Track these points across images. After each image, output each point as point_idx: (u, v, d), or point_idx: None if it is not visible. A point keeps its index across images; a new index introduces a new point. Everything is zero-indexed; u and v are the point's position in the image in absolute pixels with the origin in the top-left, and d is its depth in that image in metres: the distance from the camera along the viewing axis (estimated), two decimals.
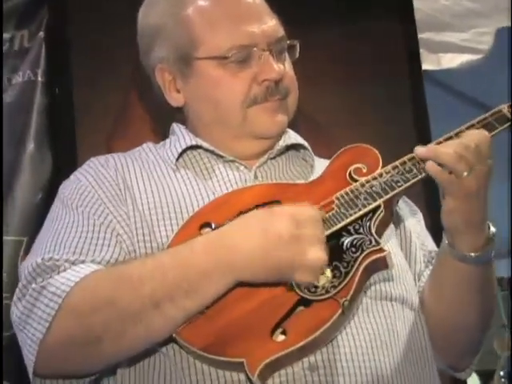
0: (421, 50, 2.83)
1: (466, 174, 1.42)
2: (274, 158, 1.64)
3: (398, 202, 1.55)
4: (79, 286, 1.38)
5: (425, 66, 2.88)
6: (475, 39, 2.98)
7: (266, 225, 1.36)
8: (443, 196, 1.47)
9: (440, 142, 1.49)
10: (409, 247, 1.64)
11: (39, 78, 2.37)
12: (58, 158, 2.35)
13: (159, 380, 1.41)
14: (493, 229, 1.49)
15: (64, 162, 2.32)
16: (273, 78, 1.58)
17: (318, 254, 1.35)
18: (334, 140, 2.52)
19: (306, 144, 1.69)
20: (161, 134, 1.95)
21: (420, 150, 1.47)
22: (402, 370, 1.45)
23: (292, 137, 1.68)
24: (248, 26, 1.58)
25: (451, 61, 2.99)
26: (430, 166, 1.44)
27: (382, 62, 2.68)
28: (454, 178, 1.42)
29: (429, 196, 2.34)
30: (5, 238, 2.28)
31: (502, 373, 5.43)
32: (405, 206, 1.70)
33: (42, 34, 2.39)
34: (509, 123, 1.53)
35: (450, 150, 1.43)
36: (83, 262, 1.44)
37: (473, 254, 1.47)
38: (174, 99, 1.65)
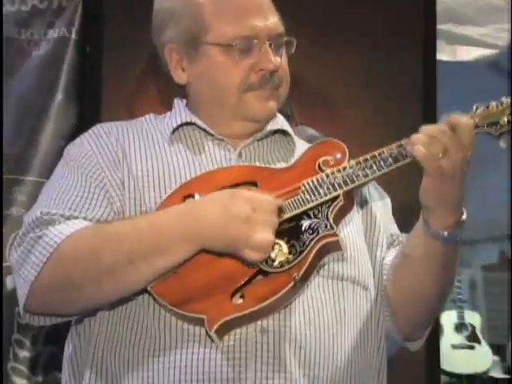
0: (438, 41, 2.93)
1: (440, 155, 1.55)
2: (259, 140, 1.79)
3: (357, 193, 1.72)
4: (69, 238, 1.57)
5: (440, 56, 2.99)
6: (494, 35, 3.06)
7: (229, 204, 1.54)
8: (424, 178, 1.60)
9: (401, 145, 1.64)
10: (373, 231, 1.80)
11: (73, 36, 2.53)
12: (82, 111, 2.52)
13: (133, 325, 1.61)
14: (464, 216, 1.63)
15: (88, 116, 2.50)
16: (269, 69, 1.73)
17: (265, 235, 1.52)
18: (345, 118, 2.68)
19: (289, 130, 1.84)
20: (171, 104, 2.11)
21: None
22: (343, 343, 1.63)
23: (279, 123, 1.83)
24: (253, 20, 1.74)
25: (467, 54, 3.09)
26: (415, 149, 1.57)
27: (397, 43, 2.80)
28: (431, 157, 1.56)
29: None
30: (26, 178, 2.45)
31: None
32: (374, 191, 1.86)
33: None
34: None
35: (421, 134, 1.58)
36: (76, 217, 1.62)
37: (443, 232, 1.62)
38: (179, 76, 1.81)
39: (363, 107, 2.76)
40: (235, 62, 1.74)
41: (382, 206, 1.87)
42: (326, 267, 1.65)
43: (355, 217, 1.76)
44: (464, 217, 1.64)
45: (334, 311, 1.64)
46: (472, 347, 5.30)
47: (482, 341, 5.39)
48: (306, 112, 2.48)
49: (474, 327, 5.38)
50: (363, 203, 1.82)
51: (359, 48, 2.80)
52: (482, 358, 5.30)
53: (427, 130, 1.59)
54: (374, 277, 1.75)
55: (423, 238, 1.66)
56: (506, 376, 5.30)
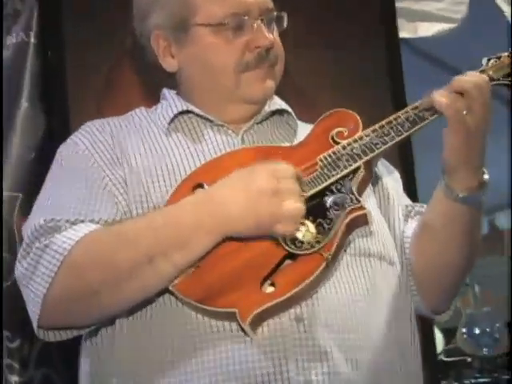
0: (399, 19, 2.92)
1: (465, 112, 1.50)
2: (259, 122, 1.72)
3: (376, 163, 1.65)
4: (79, 244, 1.48)
5: (402, 34, 2.98)
6: (450, 8, 3.08)
7: (248, 181, 1.45)
8: (447, 135, 1.54)
9: (416, 107, 1.59)
10: (387, 204, 1.74)
11: (32, 40, 2.41)
12: (50, 118, 2.41)
13: (156, 329, 1.50)
14: (487, 176, 1.58)
15: (56, 123, 2.39)
16: (265, 46, 1.67)
17: (295, 204, 1.44)
18: (314, 103, 2.63)
19: (289, 109, 1.77)
20: (149, 99, 2.02)
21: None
22: (379, 321, 1.57)
23: (277, 103, 1.77)
24: None
25: (427, 29, 3.10)
26: (441, 101, 1.51)
27: (358, 27, 2.75)
28: (458, 112, 1.50)
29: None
30: None
31: (464, 329, 5.59)
32: (382, 167, 1.80)
33: None
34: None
35: (445, 91, 1.52)
36: (82, 221, 1.53)
37: (466, 194, 1.56)
38: (169, 64, 1.73)
39: (333, 94, 2.69)
40: (228, 41, 1.67)
41: (392, 179, 1.82)
42: (352, 245, 1.58)
43: (370, 191, 1.70)
44: (486, 177, 1.59)
45: (367, 289, 1.57)
46: None
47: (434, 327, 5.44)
48: None
49: None
50: (373, 179, 1.74)
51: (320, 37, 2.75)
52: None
53: (451, 87, 1.54)
54: (396, 251, 1.69)
55: (445, 203, 1.60)
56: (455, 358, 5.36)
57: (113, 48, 2.40)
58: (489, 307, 5.94)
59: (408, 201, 1.81)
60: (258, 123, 1.73)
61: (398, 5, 2.94)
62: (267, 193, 1.43)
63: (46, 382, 2.36)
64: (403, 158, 2.69)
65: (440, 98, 1.53)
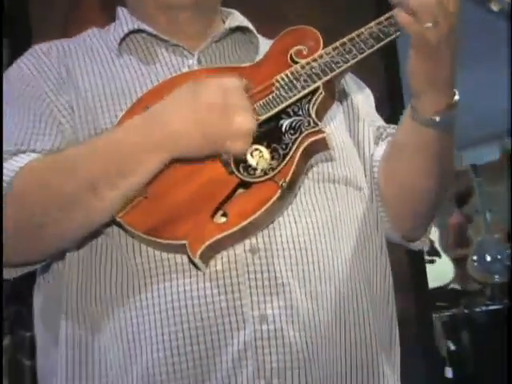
0: None
1: (429, 25, 1.39)
2: (217, 41, 1.61)
3: (340, 82, 1.54)
4: (18, 174, 1.39)
5: None
6: None
7: (197, 96, 1.35)
8: (409, 55, 1.44)
9: (380, 22, 1.47)
10: (357, 125, 1.63)
11: None
12: (13, 43, 2.29)
13: (106, 262, 1.43)
14: (457, 96, 1.48)
15: (19, 47, 2.27)
16: None
17: (246, 120, 1.34)
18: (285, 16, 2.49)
19: (250, 26, 1.66)
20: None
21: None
22: (343, 250, 1.48)
23: (238, 19, 1.65)
24: None
25: None
26: (402, 16, 1.40)
27: None
28: (421, 28, 1.39)
29: None
30: None
31: (474, 257, 5.54)
32: (353, 84, 1.69)
33: None
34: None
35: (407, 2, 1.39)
36: (24, 152, 1.44)
37: (434, 118, 1.46)
38: None
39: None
40: None
41: (363, 98, 1.70)
42: (315, 169, 1.48)
43: (337, 112, 1.60)
44: (456, 98, 1.48)
45: (330, 217, 1.48)
46: (432, 261, 5.31)
47: (442, 254, 5.42)
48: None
49: (432, 241, 5.39)
50: (342, 96, 1.63)
51: None
52: (443, 272, 5.30)
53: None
54: (365, 175, 1.59)
55: (414, 127, 1.49)
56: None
57: None
58: (500, 234, 5.88)
59: (380, 121, 1.70)
60: (215, 42, 1.61)
61: None
62: (215, 108, 1.33)
63: (17, 318, 2.32)
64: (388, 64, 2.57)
65: (400, 12, 1.41)
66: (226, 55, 1.62)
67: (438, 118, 1.46)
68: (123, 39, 1.59)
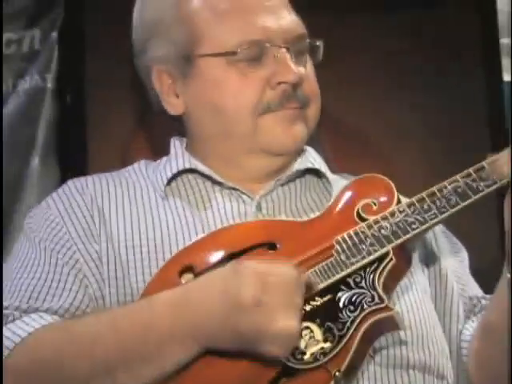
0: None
1: None
2: (284, 184, 1.42)
3: (414, 247, 1.36)
4: (24, 344, 1.23)
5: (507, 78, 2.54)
6: None
7: (228, 286, 1.18)
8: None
9: (469, 175, 1.29)
10: (444, 296, 1.44)
11: (48, 85, 2.16)
12: (66, 174, 2.13)
13: None
14: None
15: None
16: (290, 81, 1.38)
17: (287, 322, 1.16)
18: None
19: (322, 169, 1.46)
20: None
21: None
22: None
23: (309, 159, 1.46)
24: (261, 19, 1.40)
25: None
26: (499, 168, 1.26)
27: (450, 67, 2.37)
28: None
29: None
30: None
31: None
32: (445, 242, 1.49)
33: (55, 34, 2.17)
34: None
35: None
36: (37, 309, 1.29)
37: None
38: (172, 106, 1.45)
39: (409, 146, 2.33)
40: (243, 75, 1.40)
41: (455, 260, 1.49)
42: (384, 352, 1.29)
43: (419, 278, 1.40)
44: None
45: None
46: None
47: None
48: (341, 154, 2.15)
49: None
50: (428, 258, 1.46)
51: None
52: None
53: None
54: (450, 358, 1.39)
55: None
56: None
57: (140, 94, 2.10)
58: None
59: (475, 290, 1.48)
60: (281, 185, 1.42)
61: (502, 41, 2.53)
62: (249, 304, 1.16)
63: None
64: None
65: (504, 162, 1.26)
66: (293, 201, 1.43)
67: None
68: (172, 179, 1.42)
